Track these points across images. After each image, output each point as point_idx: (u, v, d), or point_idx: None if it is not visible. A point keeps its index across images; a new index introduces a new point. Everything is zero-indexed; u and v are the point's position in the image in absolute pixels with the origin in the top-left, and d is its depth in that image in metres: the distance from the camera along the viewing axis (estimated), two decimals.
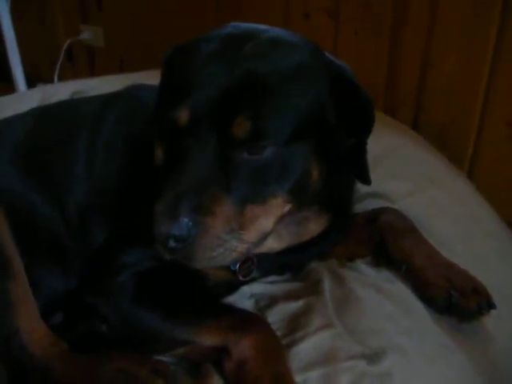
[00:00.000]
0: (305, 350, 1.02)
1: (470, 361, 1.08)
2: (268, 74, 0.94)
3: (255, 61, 0.95)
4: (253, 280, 1.22)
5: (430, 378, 1.03)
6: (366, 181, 1.14)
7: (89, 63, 3.30)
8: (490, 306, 1.08)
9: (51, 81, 3.13)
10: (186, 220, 0.88)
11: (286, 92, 0.95)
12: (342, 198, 1.25)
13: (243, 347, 0.98)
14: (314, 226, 1.18)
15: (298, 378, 0.97)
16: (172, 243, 0.89)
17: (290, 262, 1.25)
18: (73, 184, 1.25)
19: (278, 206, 0.98)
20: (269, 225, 0.98)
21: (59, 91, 2.05)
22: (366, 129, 1.08)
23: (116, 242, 1.19)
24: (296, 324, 1.08)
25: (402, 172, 1.55)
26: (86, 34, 3.17)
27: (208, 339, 1.03)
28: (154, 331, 1.08)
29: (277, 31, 1.04)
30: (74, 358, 1.08)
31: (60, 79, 3.13)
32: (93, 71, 3.26)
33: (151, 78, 1.47)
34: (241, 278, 1.17)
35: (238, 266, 1.15)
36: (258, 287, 1.21)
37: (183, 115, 0.93)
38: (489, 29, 1.76)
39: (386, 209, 1.32)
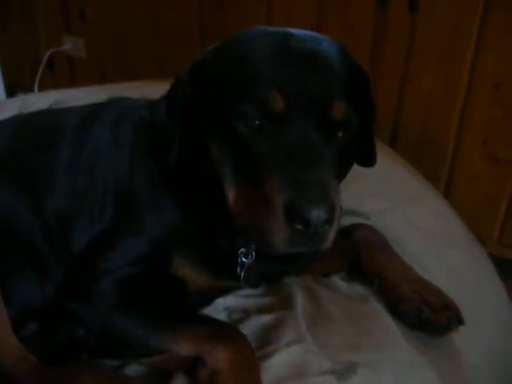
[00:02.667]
0: (276, 364, 1.02)
1: (440, 377, 1.08)
2: (341, 69, 1.03)
3: (324, 54, 1.03)
4: (231, 290, 1.22)
5: None
6: (373, 161, 1.21)
7: (70, 74, 3.29)
8: (460, 321, 1.09)
9: (32, 90, 3.11)
10: (333, 203, 0.91)
11: (353, 83, 1.04)
12: None
13: (218, 357, 0.97)
14: None
15: None
16: (323, 227, 0.90)
17: (279, 271, 1.25)
18: (53, 192, 1.24)
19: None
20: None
21: (39, 100, 2.03)
22: (373, 112, 1.14)
23: (97, 248, 1.18)
24: (267, 338, 1.08)
25: (378, 190, 1.57)
26: (68, 45, 3.17)
27: (184, 348, 1.02)
28: (130, 338, 1.07)
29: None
30: (43, 372, 1.06)
31: (41, 89, 3.12)
32: (74, 82, 3.25)
33: (132, 89, 1.48)
34: (242, 284, 1.18)
35: (243, 272, 1.16)
36: (231, 300, 1.20)
37: (278, 99, 0.96)
38: (465, 51, 1.82)
39: (361, 225, 1.33)
